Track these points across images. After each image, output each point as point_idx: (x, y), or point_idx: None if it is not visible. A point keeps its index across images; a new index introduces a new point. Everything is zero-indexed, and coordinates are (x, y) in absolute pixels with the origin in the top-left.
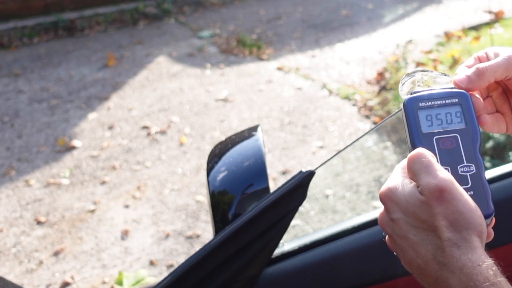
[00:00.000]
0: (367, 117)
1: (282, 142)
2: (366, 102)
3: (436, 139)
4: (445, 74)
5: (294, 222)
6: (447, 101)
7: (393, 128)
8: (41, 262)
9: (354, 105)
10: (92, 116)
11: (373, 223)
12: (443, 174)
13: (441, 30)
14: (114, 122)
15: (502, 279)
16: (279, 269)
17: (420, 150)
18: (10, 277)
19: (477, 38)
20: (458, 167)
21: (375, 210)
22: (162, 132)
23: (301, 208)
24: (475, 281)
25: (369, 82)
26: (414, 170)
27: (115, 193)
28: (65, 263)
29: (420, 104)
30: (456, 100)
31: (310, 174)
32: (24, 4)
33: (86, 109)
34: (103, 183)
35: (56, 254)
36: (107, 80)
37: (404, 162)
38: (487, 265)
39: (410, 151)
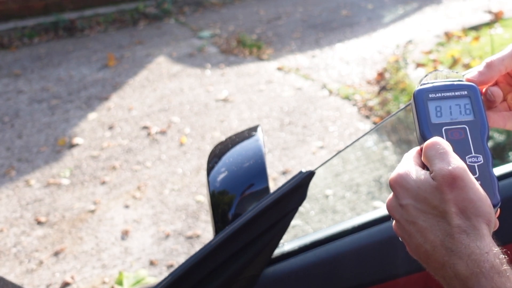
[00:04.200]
0: (367, 117)
1: (282, 142)
2: (366, 102)
3: (445, 129)
4: (457, 72)
5: (294, 222)
6: (456, 93)
7: (393, 128)
8: (41, 262)
9: (354, 105)
10: (92, 116)
11: (373, 223)
12: (457, 162)
13: (441, 30)
14: (114, 122)
15: (508, 268)
16: (279, 269)
17: (437, 138)
18: (10, 277)
19: (477, 38)
20: (466, 157)
21: (375, 210)
22: (162, 132)
23: (301, 208)
24: (482, 268)
25: (369, 82)
26: (429, 156)
27: (115, 193)
28: (65, 263)
29: (430, 95)
30: (465, 92)
31: (310, 174)
32: (24, 4)
33: (86, 109)
34: (103, 183)
35: (56, 254)
36: (107, 80)
37: (413, 151)
38: (495, 253)
39: (419, 142)
